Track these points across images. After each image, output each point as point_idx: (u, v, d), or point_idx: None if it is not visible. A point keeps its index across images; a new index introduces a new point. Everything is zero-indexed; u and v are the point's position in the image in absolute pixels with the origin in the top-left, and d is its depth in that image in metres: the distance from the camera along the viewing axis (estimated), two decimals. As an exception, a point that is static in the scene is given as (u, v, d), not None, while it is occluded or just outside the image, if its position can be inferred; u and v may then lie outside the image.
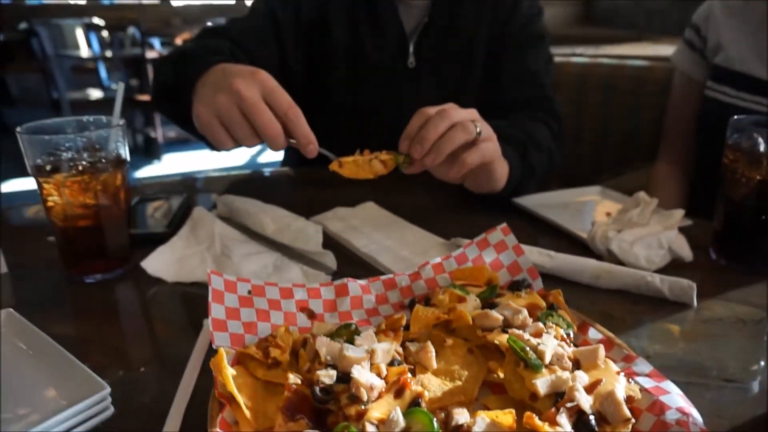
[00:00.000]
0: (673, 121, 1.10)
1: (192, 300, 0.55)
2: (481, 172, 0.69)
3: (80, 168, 0.54)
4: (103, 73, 4.61)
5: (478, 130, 0.64)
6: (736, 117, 0.61)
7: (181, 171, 3.75)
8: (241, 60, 0.73)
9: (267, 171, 1.03)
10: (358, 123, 1.01)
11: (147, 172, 3.80)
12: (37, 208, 0.80)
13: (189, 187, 0.91)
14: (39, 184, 0.55)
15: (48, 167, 0.53)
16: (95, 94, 4.27)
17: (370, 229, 0.70)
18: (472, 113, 0.66)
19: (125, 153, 0.57)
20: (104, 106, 4.40)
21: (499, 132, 0.71)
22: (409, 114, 0.94)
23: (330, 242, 0.66)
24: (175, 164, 3.85)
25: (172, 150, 4.05)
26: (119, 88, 0.58)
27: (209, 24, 0.87)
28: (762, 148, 0.58)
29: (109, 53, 4.42)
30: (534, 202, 0.79)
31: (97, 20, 5.48)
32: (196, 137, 0.70)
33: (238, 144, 0.60)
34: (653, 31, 3.27)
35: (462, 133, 0.63)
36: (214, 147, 0.76)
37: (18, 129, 0.53)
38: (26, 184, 3.51)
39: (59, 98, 3.80)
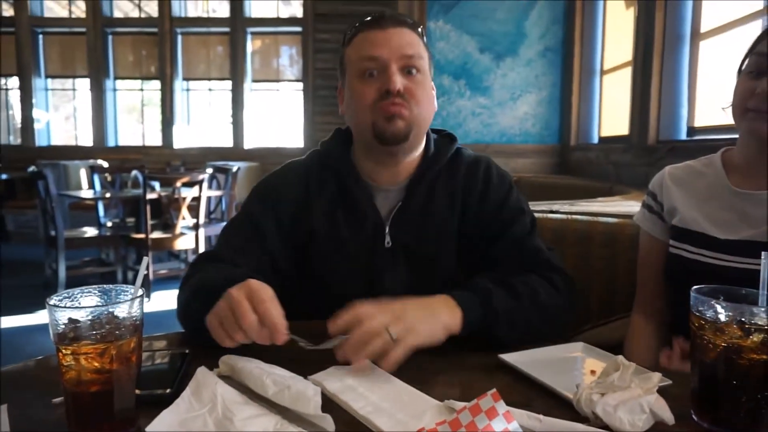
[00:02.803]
0: (643, 277, 1.18)
1: (193, 468, 0.56)
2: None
3: (99, 336, 0.58)
4: (101, 211, 4.77)
5: (393, 336, 0.78)
6: (696, 287, 0.68)
7: (171, 308, 3.73)
8: (254, 278, 0.86)
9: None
10: (338, 302, 0.99)
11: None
12: (39, 363, 0.82)
13: (173, 342, 0.94)
14: (58, 350, 0.58)
15: (71, 335, 0.58)
16: (91, 231, 4.37)
17: (365, 389, 0.73)
18: (393, 314, 0.81)
19: (141, 319, 0.62)
20: (97, 243, 4.49)
21: (465, 285, 0.94)
22: (388, 290, 1.02)
23: (327, 402, 0.69)
24: (165, 302, 3.84)
25: (161, 287, 4.07)
26: (143, 262, 0.64)
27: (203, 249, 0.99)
28: (723, 317, 0.65)
29: (108, 194, 4.61)
30: (520, 359, 0.82)
31: (102, 162, 5.80)
32: None
33: (236, 342, 0.76)
34: (621, 182, 3.54)
35: (376, 343, 0.77)
36: None
37: (48, 300, 0.58)
38: (11, 321, 3.46)
39: (56, 236, 3.88)
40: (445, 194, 1.07)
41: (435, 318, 0.86)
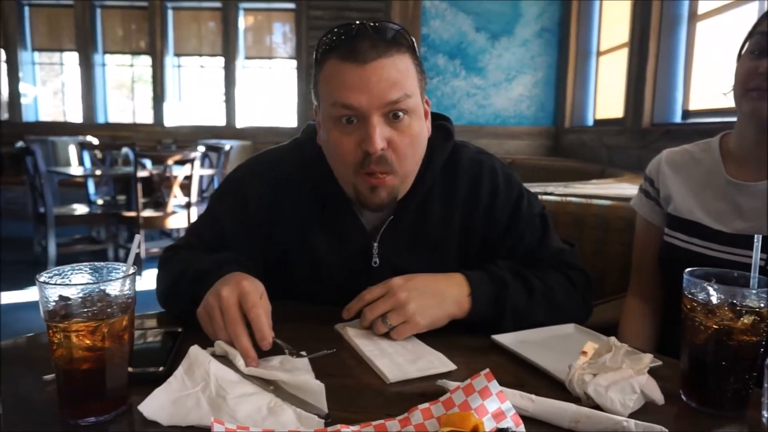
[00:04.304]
0: (638, 260, 1.18)
1: (186, 445, 0.56)
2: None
3: (90, 314, 0.57)
4: (91, 188, 4.72)
5: (387, 325, 0.82)
6: (689, 270, 0.69)
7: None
8: (242, 263, 0.88)
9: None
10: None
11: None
12: (30, 340, 0.82)
13: (165, 321, 0.93)
14: (49, 327, 0.58)
15: (62, 312, 0.57)
16: (81, 209, 4.33)
17: (379, 337, 0.83)
18: (396, 301, 0.83)
19: (133, 297, 0.61)
20: (87, 220, 4.45)
21: (486, 269, 0.91)
22: None
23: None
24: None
25: (153, 266, 4.05)
26: (135, 240, 0.64)
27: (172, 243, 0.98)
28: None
29: (98, 171, 4.56)
30: (512, 340, 0.83)
31: (91, 138, 5.73)
32: None
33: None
34: (614, 165, 3.55)
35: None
36: None
37: (38, 277, 0.57)
38: (1, 298, 3.44)
39: (45, 213, 3.84)
40: (443, 206, 0.97)
41: (440, 308, 0.85)
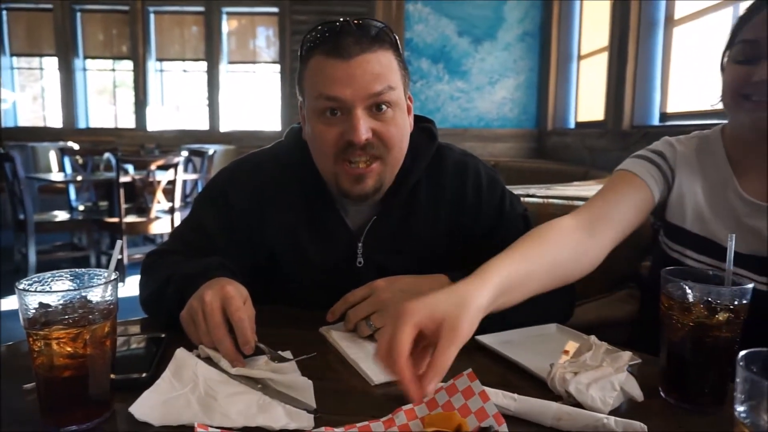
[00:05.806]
0: (598, 201, 0.98)
1: (172, 450, 0.56)
2: None
3: (71, 321, 0.57)
4: (72, 194, 4.66)
5: (371, 327, 0.83)
6: (667, 269, 0.70)
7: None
8: (228, 268, 0.87)
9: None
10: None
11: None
12: (9, 349, 0.80)
13: (149, 327, 0.92)
14: (29, 335, 0.57)
15: (42, 320, 0.56)
16: (62, 215, 4.27)
17: (364, 340, 0.83)
18: (379, 304, 0.84)
19: (115, 304, 0.61)
20: (69, 227, 4.39)
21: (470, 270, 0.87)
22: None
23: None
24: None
25: (137, 272, 4.01)
26: (116, 245, 0.63)
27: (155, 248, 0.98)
28: (691, 298, 0.67)
29: (79, 177, 4.49)
30: (495, 339, 0.84)
31: (72, 144, 5.65)
32: None
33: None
34: (596, 166, 3.60)
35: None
36: None
37: (17, 284, 0.57)
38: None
39: (25, 220, 3.78)
40: (428, 206, 0.98)
41: None
